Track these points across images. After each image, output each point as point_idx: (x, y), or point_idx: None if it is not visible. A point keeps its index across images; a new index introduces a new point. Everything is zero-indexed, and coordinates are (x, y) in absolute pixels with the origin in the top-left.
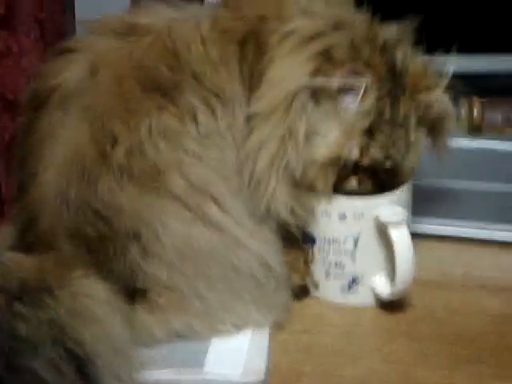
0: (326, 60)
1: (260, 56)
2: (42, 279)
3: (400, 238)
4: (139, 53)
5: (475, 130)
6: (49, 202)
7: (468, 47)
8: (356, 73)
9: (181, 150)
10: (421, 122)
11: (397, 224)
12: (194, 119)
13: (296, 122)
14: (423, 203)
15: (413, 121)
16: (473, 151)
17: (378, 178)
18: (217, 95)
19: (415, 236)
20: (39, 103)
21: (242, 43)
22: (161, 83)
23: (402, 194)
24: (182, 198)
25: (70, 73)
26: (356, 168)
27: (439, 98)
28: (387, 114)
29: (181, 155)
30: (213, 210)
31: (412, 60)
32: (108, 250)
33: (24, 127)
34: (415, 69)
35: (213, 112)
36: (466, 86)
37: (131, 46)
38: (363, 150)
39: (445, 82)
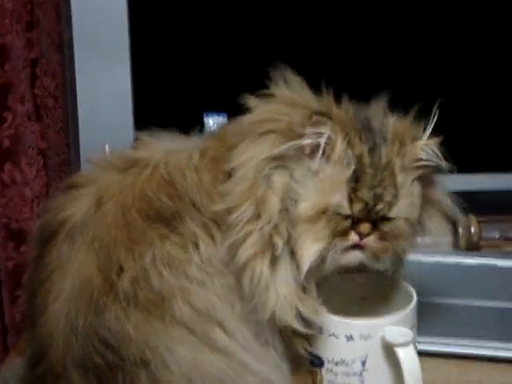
0: (285, 132)
1: None
2: None
3: (408, 358)
4: (140, 184)
5: (473, 247)
6: (58, 332)
7: (465, 167)
8: (316, 124)
9: (184, 278)
10: (411, 172)
11: (404, 345)
12: (196, 247)
13: (265, 194)
14: (428, 321)
15: (397, 165)
16: (473, 268)
17: (383, 236)
18: (214, 221)
19: (421, 354)
20: (48, 237)
21: (229, 171)
22: (163, 213)
23: (407, 313)
24: (188, 324)
25: (77, 207)
26: (353, 222)
27: (425, 147)
28: (366, 159)
29: (184, 283)
30: (219, 336)
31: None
32: (117, 378)
33: (34, 261)
34: (398, 122)
35: (212, 238)
36: (464, 203)
37: (133, 179)
38: (351, 197)
39: (428, 132)
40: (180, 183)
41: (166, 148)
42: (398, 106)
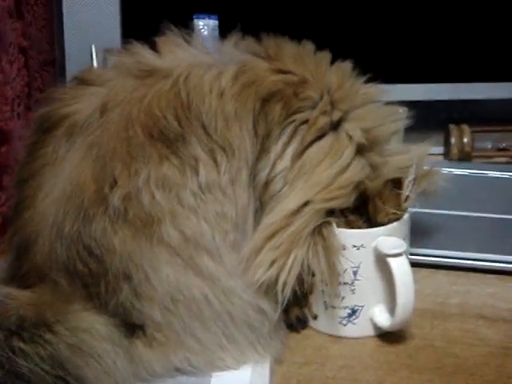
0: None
1: (286, 122)
2: (40, 314)
3: (400, 269)
4: (151, 98)
5: (465, 157)
6: (44, 232)
7: (459, 76)
8: None
9: (176, 202)
10: None
11: (396, 255)
12: (196, 172)
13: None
14: (419, 233)
15: None
16: (465, 178)
17: None
18: (223, 149)
19: (412, 265)
20: (49, 127)
21: (267, 99)
22: (166, 134)
23: (400, 224)
24: (175, 248)
25: (82, 104)
26: None
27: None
28: None
29: (176, 207)
30: (205, 262)
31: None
32: (100, 286)
33: (28, 148)
34: None
35: (217, 165)
36: (457, 113)
37: (145, 90)
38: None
39: None
40: (196, 105)
41: (195, 59)
42: None
